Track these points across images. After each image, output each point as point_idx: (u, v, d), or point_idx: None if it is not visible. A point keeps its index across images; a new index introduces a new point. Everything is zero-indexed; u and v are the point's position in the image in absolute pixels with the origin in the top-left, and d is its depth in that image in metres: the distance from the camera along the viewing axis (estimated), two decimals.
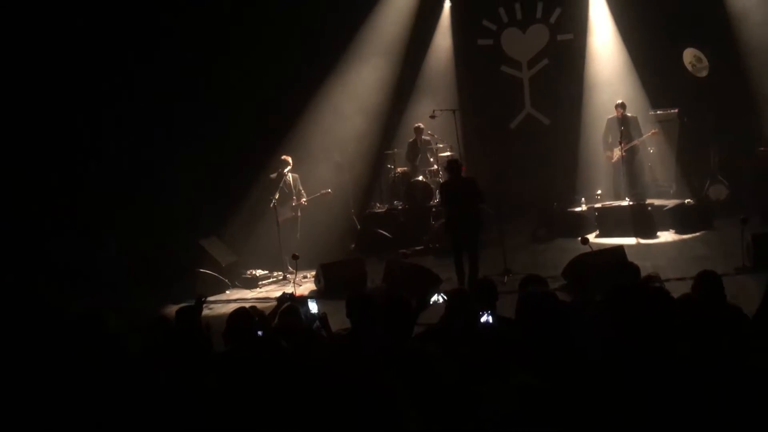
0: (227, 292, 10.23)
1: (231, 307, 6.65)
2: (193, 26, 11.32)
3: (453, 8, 13.81)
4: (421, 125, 12.28)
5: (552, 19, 13.61)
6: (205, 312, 9.02)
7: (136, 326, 5.22)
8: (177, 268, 10.25)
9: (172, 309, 7.02)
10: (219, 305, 9.42)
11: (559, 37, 13.58)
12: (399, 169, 12.41)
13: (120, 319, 5.41)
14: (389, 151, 12.69)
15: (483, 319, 3.90)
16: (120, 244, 10.77)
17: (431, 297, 4.99)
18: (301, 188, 11.21)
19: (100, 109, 11.05)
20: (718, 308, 4.04)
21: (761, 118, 11.29)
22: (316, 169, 12.02)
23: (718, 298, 4.19)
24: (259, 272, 10.58)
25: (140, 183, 11.24)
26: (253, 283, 10.43)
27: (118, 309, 7.31)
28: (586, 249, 8.00)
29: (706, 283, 4.32)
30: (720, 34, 11.76)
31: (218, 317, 7.38)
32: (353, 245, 11.83)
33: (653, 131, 11.60)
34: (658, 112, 12.20)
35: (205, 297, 6.60)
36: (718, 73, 11.85)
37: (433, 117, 11.86)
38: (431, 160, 12.25)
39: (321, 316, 4.99)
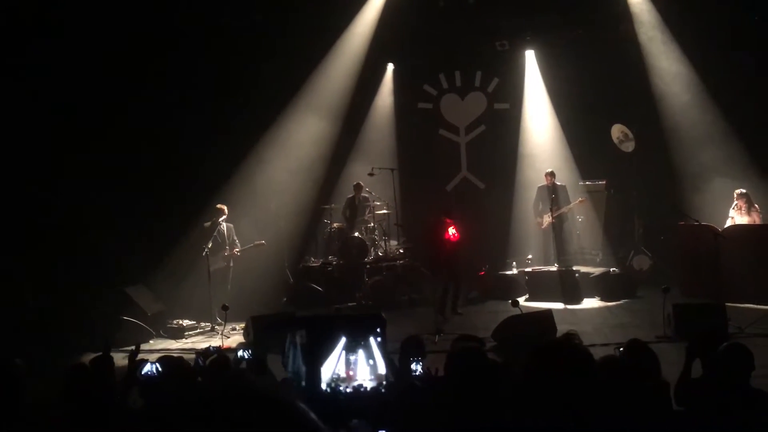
0: (151, 341, 9.85)
1: (153, 358, 6.40)
2: (132, 75, 11.18)
3: (395, 71, 14.22)
4: (360, 182, 12.40)
5: (490, 88, 14.17)
6: (125, 363, 8.77)
7: (50, 374, 4.98)
8: (100, 316, 9.84)
9: (90, 357, 6.69)
10: (141, 355, 9.02)
11: (496, 106, 14.13)
12: (335, 225, 12.42)
13: (35, 366, 5.14)
14: (326, 206, 12.71)
15: (413, 367, 3.92)
16: (40, 289, 10.28)
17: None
18: (235, 238, 11.08)
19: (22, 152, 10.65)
20: (647, 378, 4.10)
21: (683, 193, 11.87)
22: (252, 220, 11.91)
23: (652, 369, 4.25)
24: (186, 322, 10.28)
25: (66, 226, 10.82)
26: (179, 333, 10.10)
27: (34, 356, 6.92)
28: (516, 311, 8.13)
29: (637, 351, 4.41)
30: (646, 112, 12.46)
31: None
32: (285, 298, 11.67)
33: (580, 199, 12.04)
34: (587, 182, 12.71)
35: (138, 346, 6.33)
36: (643, 149, 12.51)
37: (371, 175, 12.04)
38: (368, 217, 12.33)
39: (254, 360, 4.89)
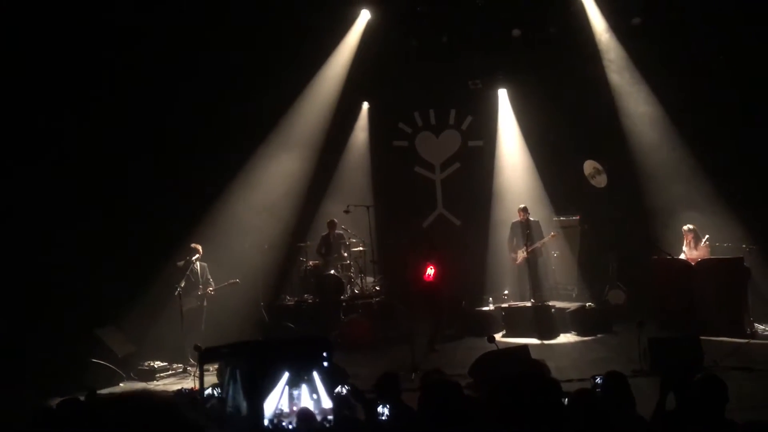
0: (121, 384, 9.63)
1: None
2: (103, 116, 11.12)
3: (370, 110, 14.36)
4: (335, 220, 12.37)
5: (464, 126, 14.37)
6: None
7: (16, 418, 4.82)
8: (68, 358, 9.61)
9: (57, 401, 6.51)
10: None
11: (470, 143, 14.31)
12: (311, 263, 12.34)
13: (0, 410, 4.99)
14: (302, 244, 12.66)
15: (380, 410, 3.85)
16: (6, 330, 10.00)
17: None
18: (209, 277, 10.95)
19: None
20: (622, 414, 4.10)
21: (655, 228, 12.01)
22: (225, 259, 11.76)
23: (627, 402, 4.25)
24: (158, 364, 10.06)
25: (35, 266, 10.59)
26: (150, 375, 9.88)
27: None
28: (492, 347, 8.08)
29: (614, 383, 4.41)
30: (616, 148, 12.66)
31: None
32: (260, 338, 11.48)
33: (552, 234, 12.13)
34: (561, 218, 12.83)
35: (95, 390, 6.17)
36: (615, 184, 12.70)
37: (347, 212, 12.01)
38: (344, 254, 12.27)
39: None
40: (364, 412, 4.60)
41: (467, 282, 12.84)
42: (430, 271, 10.22)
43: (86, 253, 10.70)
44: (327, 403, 4.33)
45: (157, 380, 9.78)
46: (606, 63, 12.79)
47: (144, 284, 11.16)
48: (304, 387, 4.41)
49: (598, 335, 10.81)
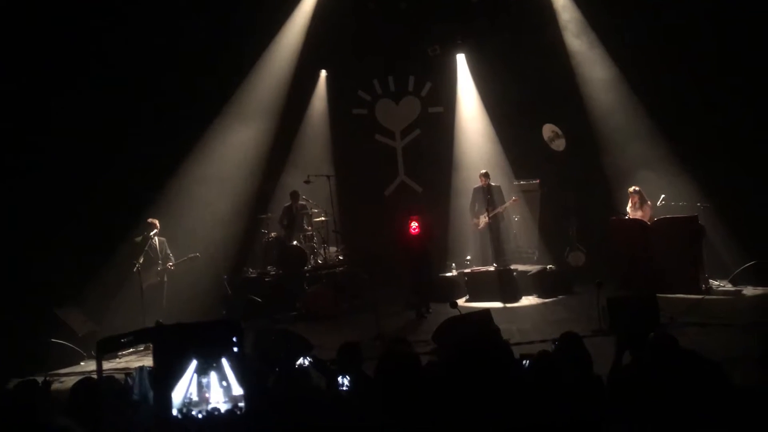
0: (82, 363, 9.49)
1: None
2: (58, 88, 10.78)
3: (328, 78, 14.16)
4: (297, 190, 12.25)
5: (423, 92, 14.29)
6: (56, 386, 8.40)
7: None
8: (28, 339, 9.44)
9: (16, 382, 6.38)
10: (72, 378, 8.68)
11: (430, 110, 14.26)
12: (273, 234, 12.24)
13: None
14: (263, 216, 12.52)
15: (340, 380, 3.84)
16: None
17: (297, 362, 4.87)
18: (168, 252, 10.78)
19: None
20: (579, 373, 4.15)
21: (613, 189, 12.17)
22: (185, 233, 11.59)
23: (583, 362, 4.31)
24: None
25: None
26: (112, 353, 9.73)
27: None
28: (455, 313, 8.14)
29: (570, 344, 4.46)
30: (574, 112, 12.74)
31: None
32: (224, 311, 11.42)
33: (514, 199, 12.20)
34: (521, 182, 12.91)
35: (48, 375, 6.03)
36: (574, 147, 12.81)
37: (307, 182, 11.93)
38: (306, 225, 12.20)
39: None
40: (325, 382, 4.60)
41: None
42: (415, 224, 10.30)
43: (42, 232, 10.46)
44: (237, 390, 4.23)
45: (119, 358, 9.66)
46: (563, 27, 12.80)
47: (103, 262, 10.98)
48: (213, 374, 4.29)
49: (560, 297, 10.98)
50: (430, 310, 10.53)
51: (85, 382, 4.67)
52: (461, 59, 13.94)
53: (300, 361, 4.84)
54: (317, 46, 13.17)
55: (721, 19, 11.05)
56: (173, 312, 10.13)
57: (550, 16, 12.80)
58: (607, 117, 12.47)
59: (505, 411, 2.02)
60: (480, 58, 13.68)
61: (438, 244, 12.98)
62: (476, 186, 12.23)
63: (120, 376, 6.58)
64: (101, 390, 4.36)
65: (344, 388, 3.98)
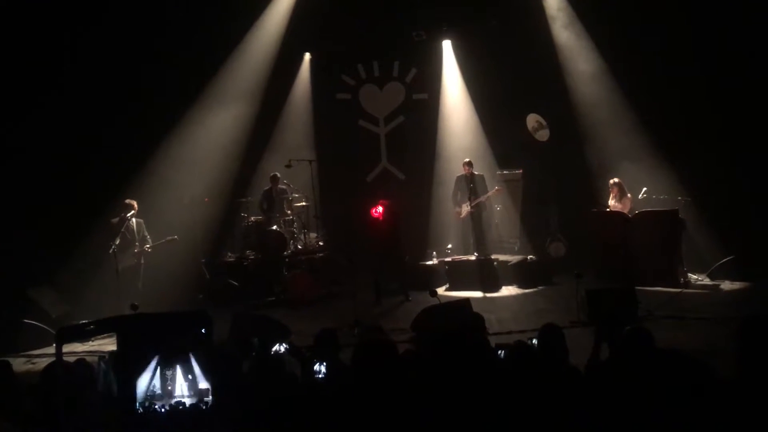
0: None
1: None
2: (35, 70, 10.54)
3: (312, 61, 13.99)
4: (277, 174, 12.10)
5: (408, 79, 14.17)
6: (28, 367, 8.28)
7: None
8: (1, 319, 9.29)
9: None
10: (44, 359, 8.54)
11: (415, 96, 14.14)
12: (252, 218, 12.10)
13: None
14: (242, 199, 12.37)
15: (316, 368, 3.78)
16: None
17: (273, 347, 4.80)
18: (146, 234, 10.62)
19: None
20: (556, 364, 4.11)
21: (595, 181, 12.18)
22: (163, 215, 11.42)
23: (560, 353, 4.27)
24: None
25: None
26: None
27: None
28: (434, 302, 8.11)
29: (550, 336, 4.42)
30: (559, 102, 12.70)
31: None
32: (201, 295, 11.30)
33: (497, 188, 12.17)
34: (504, 171, 12.87)
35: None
36: (557, 138, 12.78)
37: (288, 166, 11.80)
38: (286, 210, 12.07)
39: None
40: (300, 370, 4.53)
41: (411, 236, 12.82)
42: (380, 209, 10.31)
43: (17, 212, 10.27)
44: (203, 384, 4.11)
45: (93, 341, 9.51)
46: (551, 17, 12.74)
47: (78, 243, 10.81)
48: (178, 367, 4.16)
49: (539, 287, 11.00)
50: (410, 298, 10.49)
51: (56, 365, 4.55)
52: (447, 46, 13.81)
53: (276, 347, 4.75)
54: (301, 29, 12.98)
55: (705, 14, 11.02)
56: (149, 295, 10.02)
57: (537, 6, 12.72)
58: (591, 109, 12.44)
59: (480, 400, 1.98)
60: (466, 46, 13.57)
61: (419, 233, 12.97)
62: (459, 174, 12.16)
63: (92, 359, 6.45)
64: (62, 378, 4.20)
65: (320, 376, 3.90)
